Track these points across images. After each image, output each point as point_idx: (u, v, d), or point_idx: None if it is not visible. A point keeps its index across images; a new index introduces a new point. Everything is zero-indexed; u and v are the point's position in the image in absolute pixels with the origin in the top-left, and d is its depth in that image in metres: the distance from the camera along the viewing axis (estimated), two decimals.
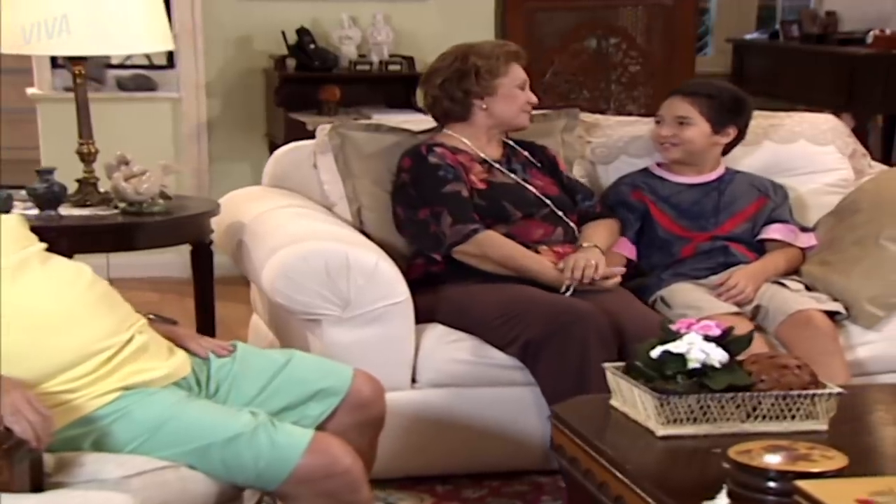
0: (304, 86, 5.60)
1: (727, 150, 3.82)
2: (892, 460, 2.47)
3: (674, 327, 2.51)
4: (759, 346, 3.11)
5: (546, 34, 6.24)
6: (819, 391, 2.44)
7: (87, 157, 3.83)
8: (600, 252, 3.49)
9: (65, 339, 2.35)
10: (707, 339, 2.44)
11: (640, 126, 4.00)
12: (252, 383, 2.58)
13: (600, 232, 3.61)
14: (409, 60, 5.75)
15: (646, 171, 3.85)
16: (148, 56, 5.99)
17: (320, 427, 2.53)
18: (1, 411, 2.13)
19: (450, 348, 3.35)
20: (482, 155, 3.61)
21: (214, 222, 3.81)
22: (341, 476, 2.36)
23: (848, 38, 7.23)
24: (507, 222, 3.50)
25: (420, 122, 3.85)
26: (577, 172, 3.89)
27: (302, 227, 3.43)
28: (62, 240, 3.23)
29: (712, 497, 2.06)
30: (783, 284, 3.61)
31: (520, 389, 3.32)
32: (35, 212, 3.61)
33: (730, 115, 3.75)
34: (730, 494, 2.06)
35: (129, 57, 5.91)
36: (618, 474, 2.28)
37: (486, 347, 3.33)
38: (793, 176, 3.96)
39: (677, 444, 2.38)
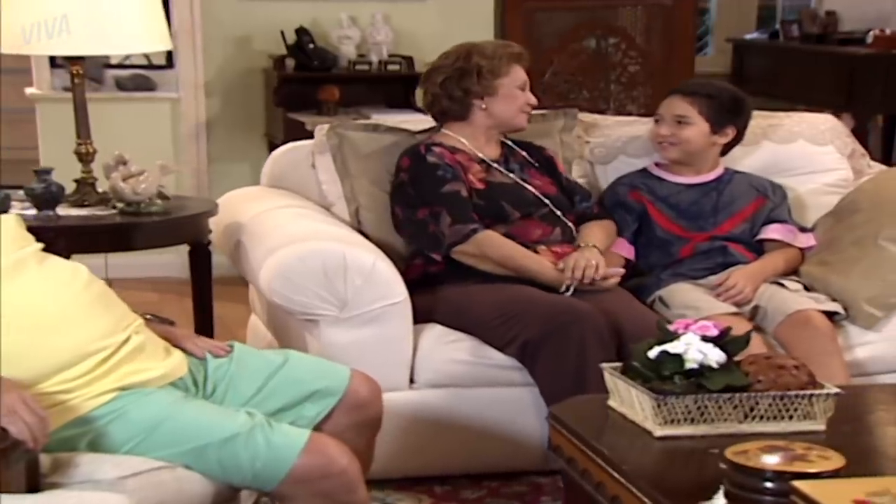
0: (304, 86, 5.60)
1: (726, 150, 3.81)
2: (889, 461, 2.47)
3: (671, 327, 2.50)
4: (757, 346, 3.11)
5: (545, 34, 6.24)
6: (816, 391, 2.43)
7: (84, 157, 3.83)
8: (599, 252, 3.49)
9: (61, 339, 2.35)
10: (705, 339, 2.44)
11: (639, 126, 3.99)
12: (249, 384, 2.58)
13: (597, 233, 3.61)
14: (409, 60, 5.74)
15: (644, 171, 3.85)
16: (147, 56, 5.98)
17: (317, 427, 2.53)
18: None
19: (448, 349, 3.34)
20: (480, 155, 3.61)
21: (213, 222, 3.80)
22: (338, 476, 2.36)
23: (848, 38, 7.23)
24: (505, 222, 3.50)
25: (419, 121, 3.84)
26: (576, 172, 3.89)
27: (300, 227, 3.43)
28: (60, 240, 3.25)
29: (709, 497, 2.06)
30: (782, 285, 3.61)
31: (518, 390, 3.31)
32: (33, 212, 3.61)
33: (729, 116, 3.74)
34: (727, 495, 2.06)
35: (127, 57, 5.90)
36: (615, 474, 2.28)
37: (484, 348, 3.33)
38: (792, 176, 3.95)
39: (674, 445, 2.38)
